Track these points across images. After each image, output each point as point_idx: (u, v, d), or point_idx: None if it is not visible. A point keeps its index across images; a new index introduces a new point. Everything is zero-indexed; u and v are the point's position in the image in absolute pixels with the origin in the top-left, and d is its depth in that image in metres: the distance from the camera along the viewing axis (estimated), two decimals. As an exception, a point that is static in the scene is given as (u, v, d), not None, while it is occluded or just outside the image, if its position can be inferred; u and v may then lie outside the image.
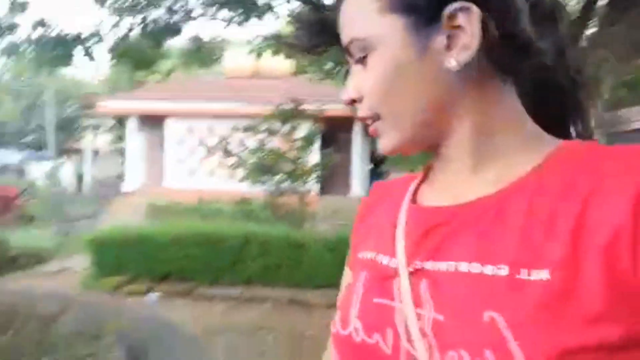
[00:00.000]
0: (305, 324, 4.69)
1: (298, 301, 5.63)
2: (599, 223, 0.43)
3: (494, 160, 0.51)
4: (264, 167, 7.20)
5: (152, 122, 15.62)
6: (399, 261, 0.51)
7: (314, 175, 7.47)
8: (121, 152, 20.55)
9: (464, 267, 0.47)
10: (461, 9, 0.47)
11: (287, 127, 7.45)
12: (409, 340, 0.47)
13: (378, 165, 14.39)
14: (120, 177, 18.11)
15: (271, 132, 7.43)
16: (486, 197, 0.50)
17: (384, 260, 0.54)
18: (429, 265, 0.49)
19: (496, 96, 0.51)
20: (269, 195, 7.56)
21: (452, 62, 0.49)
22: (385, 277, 0.53)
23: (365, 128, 0.56)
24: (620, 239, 0.41)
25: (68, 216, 9.32)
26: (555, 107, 0.55)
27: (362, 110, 0.54)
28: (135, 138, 16.09)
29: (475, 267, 0.46)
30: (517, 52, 0.49)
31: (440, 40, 0.49)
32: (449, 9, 0.48)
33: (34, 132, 21.41)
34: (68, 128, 20.94)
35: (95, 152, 20.83)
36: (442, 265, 0.48)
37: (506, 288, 0.44)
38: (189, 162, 15.53)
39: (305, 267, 5.95)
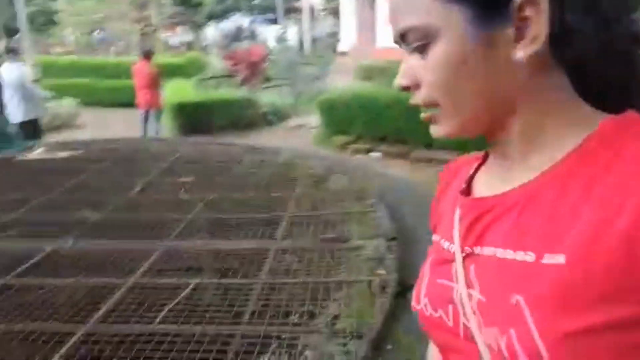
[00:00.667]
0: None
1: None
2: (617, 208, 0.43)
3: (541, 150, 0.52)
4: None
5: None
6: (455, 247, 0.56)
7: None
8: (334, 12, 20.96)
9: (500, 253, 0.50)
10: (529, 1, 0.47)
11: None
12: (465, 315, 0.52)
13: None
14: (334, 37, 18.74)
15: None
16: (524, 185, 0.51)
17: (445, 244, 0.59)
18: (477, 250, 0.53)
19: (551, 85, 0.51)
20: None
21: (520, 54, 0.48)
22: (446, 260, 0.58)
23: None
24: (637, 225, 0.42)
25: (299, 77, 10.19)
26: (618, 80, 0.52)
27: (419, 98, 0.54)
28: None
29: (509, 254, 0.49)
30: (579, 43, 0.49)
31: (507, 32, 0.48)
32: (517, 0, 0.47)
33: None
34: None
35: (311, 12, 21.59)
36: (486, 250, 0.52)
37: (531, 272, 0.46)
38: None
39: None
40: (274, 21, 20.85)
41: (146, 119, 8.04)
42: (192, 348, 1.66)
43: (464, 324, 0.52)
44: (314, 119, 8.21)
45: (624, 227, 0.42)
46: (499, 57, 0.49)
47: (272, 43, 14.64)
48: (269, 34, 17.25)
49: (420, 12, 0.50)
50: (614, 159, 0.46)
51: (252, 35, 17.18)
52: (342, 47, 15.81)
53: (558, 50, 0.49)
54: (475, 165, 0.62)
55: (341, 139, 6.92)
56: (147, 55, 8.17)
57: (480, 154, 0.63)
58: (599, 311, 0.42)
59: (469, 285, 0.52)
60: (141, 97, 7.99)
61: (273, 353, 1.64)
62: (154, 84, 8.03)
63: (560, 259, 0.44)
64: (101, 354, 1.69)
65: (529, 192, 0.50)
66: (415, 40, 0.51)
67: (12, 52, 6.26)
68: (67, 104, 10.28)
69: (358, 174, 3.67)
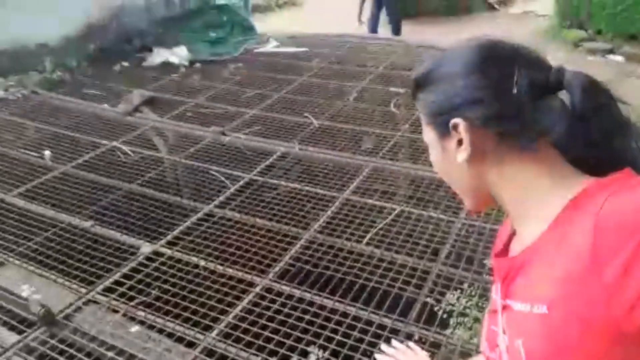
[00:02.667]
0: None
1: None
2: (577, 265, 0.56)
3: (529, 218, 0.67)
4: None
5: None
6: (498, 300, 0.70)
7: None
8: None
9: (515, 305, 0.64)
10: (454, 124, 0.70)
11: None
12: (501, 357, 0.67)
13: None
14: None
15: None
16: (525, 249, 0.66)
17: (494, 297, 0.73)
18: (508, 302, 0.67)
19: (516, 167, 0.69)
20: None
21: (458, 158, 0.71)
22: (495, 310, 0.71)
23: None
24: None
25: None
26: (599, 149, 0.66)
27: None
28: None
29: (518, 306, 0.63)
30: (525, 132, 0.66)
31: (451, 144, 0.72)
32: (451, 123, 0.70)
33: None
34: None
35: None
36: (511, 303, 0.66)
37: (527, 320, 0.60)
38: None
39: None
40: None
41: (363, 1, 8.02)
42: (393, 276, 1.91)
43: None
44: (543, 5, 7.16)
45: (579, 286, 0.55)
46: (454, 159, 0.72)
47: None
48: None
49: (425, 129, 0.78)
50: (576, 221, 0.59)
51: None
52: None
53: (514, 143, 0.67)
54: (510, 230, 0.78)
55: (576, 33, 5.98)
56: None
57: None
58: (580, 353, 0.54)
59: (504, 331, 0.67)
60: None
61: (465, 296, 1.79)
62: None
63: (543, 308, 0.58)
64: (319, 261, 2.07)
65: (530, 253, 0.65)
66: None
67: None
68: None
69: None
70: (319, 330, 1.68)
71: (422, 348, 1.27)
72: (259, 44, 4.78)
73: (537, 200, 0.65)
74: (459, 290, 1.83)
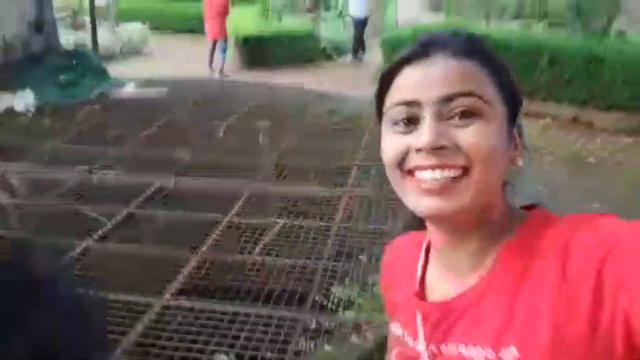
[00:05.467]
0: (585, 149, 4.52)
1: (582, 122, 5.33)
2: (545, 294, 0.50)
3: (486, 249, 0.58)
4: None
5: None
6: (421, 347, 0.61)
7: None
8: None
9: (463, 350, 0.56)
10: (518, 125, 0.60)
11: None
12: None
13: None
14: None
15: None
16: (471, 287, 0.57)
17: (410, 341, 0.63)
18: (442, 347, 0.59)
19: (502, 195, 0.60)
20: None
21: (520, 161, 0.58)
22: (413, 356, 0.62)
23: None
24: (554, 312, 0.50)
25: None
26: None
27: (452, 159, 0.54)
28: None
29: (471, 350, 0.55)
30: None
31: (514, 139, 0.58)
32: (518, 119, 0.59)
33: None
34: None
35: None
36: (450, 348, 0.58)
37: None
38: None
39: (600, 84, 5.41)
40: None
41: (213, 50, 8.34)
42: (286, 277, 2.09)
43: None
44: (373, 55, 8.22)
45: (546, 320, 0.50)
46: (508, 156, 0.57)
47: None
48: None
49: (483, 87, 0.54)
50: (532, 255, 0.53)
51: None
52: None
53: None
54: (421, 255, 0.66)
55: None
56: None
57: (417, 238, 0.68)
58: None
59: None
60: (210, 27, 8.24)
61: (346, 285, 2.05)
62: (224, 12, 8.21)
63: (513, 350, 0.51)
64: (216, 276, 2.16)
65: (478, 293, 0.56)
66: (467, 106, 0.54)
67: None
68: (136, 29, 10.66)
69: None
70: (224, 334, 1.77)
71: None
72: (115, 87, 4.71)
73: (500, 230, 0.58)
74: (344, 281, 2.09)
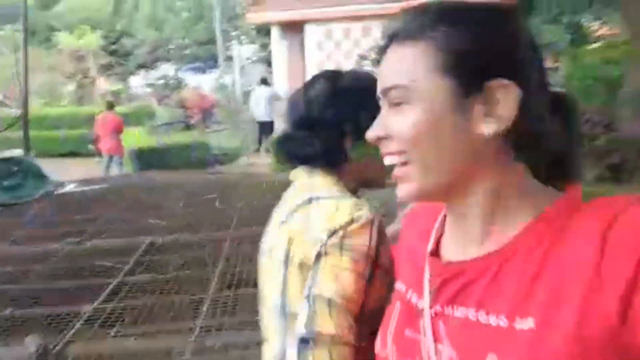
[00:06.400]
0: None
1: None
2: (574, 278, 0.50)
3: (501, 221, 0.57)
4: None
5: (293, 29, 16.92)
6: (425, 304, 0.60)
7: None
8: (263, 60, 22.45)
9: (472, 314, 0.55)
10: (502, 85, 0.53)
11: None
12: None
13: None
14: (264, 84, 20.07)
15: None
16: (491, 253, 0.57)
17: (414, 298, 0.64)
18: (448, 310, 0.58)
19: (510, 163, 0.57)
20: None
21: (485, 129, 0.54)
22: (414, 313, 0.62)
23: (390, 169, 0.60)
24: (593, 294, 0.48)
25: (243, 121, 11.34)
26: (558, 163, 0.59)
27: (389, 148, 0.59)
28: (278, 46, 17.63)
29: (482, 316, 0.55)
30: (536, 135, 0.56)
31: (478, 108, 0.55)
32: (492, 82, 0.53)
33: (192, 46, 24.02)
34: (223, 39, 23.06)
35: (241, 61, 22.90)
36: (457, 312, 0.57)
37: (505, 335, 0.52)
38: (327, 66, 16.75)
39: None
40: (202, 70, 21.82)
41: (109, 163, 8.92)
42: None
43: None
44: (264, 159, 9.33)
45: (579, 297, 0.49)
46: (467, 129, 0.55)
47: (207, 90, 15.65)
48: (201, 82, 18.23)
49: (408, 75, 0.56)
50: (568, 234, 0.52)
51: (180, 84, 17.91)
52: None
53: (518, 139, 0.56)
54: (438, 220, 0.66)
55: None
56: (111, 106, 9.14)
57: (439, 206, 0.66)
58: None
59: (437, 340, 0.58)
60: (104, 144, 8.89)
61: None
62: (119, 131, 8.96)
63: (530, 322, 0.50)
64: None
65: (497, 260, 0.56)
66: (397, 97, 0.57)
67: None
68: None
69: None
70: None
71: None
72: (56, 187, 5.04)
73: (514, 202, 0.57)
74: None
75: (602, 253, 0.49)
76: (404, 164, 0.59)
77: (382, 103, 0.61)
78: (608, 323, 0.47)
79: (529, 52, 0.57)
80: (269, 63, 22.74)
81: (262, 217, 1.09)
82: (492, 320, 0.54)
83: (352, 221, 0.81)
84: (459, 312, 0.58)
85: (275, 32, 17.14)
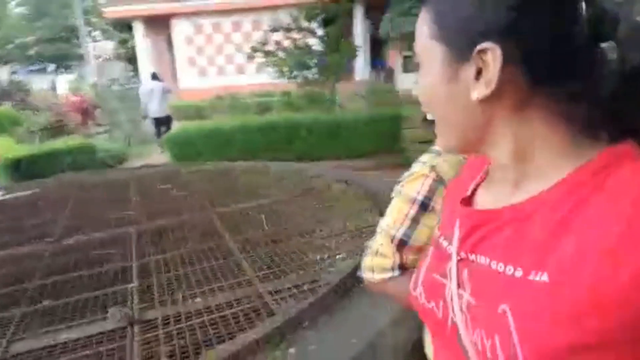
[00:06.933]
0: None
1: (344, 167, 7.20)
2: (596, 241, 0.47)
3: (533, 176, 0.56)
4: (301, 63, 8.47)
5: (158, 24, 16.17)
6: (453, 249, 0.62)
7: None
8: (123, 58, 21.09)
9: (493, 264, 0.55)
10: (488, 48, 0.52)
11: (314, 24, 8.56)
12: (453, 312, 0.58)
13: (378, 48, 15.41)
14: (129, 82, 18.98)
15: (300, 29, 8.56)
16: (518, 205, 0.56)
17: (444, 243, 0.65)
18: (472, 257, 0.59)
19: (535, 118, 0.54)
20: (301, 85, 8.92)
21: (475, 94, 0.54)
22: (443, 258, 0.64)
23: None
24: (611, 256, 0.45)
25: (123, 121, 10.67)
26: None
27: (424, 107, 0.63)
28: (142, 42, 16.73)
29: (501, 266, 0.54)
30: (562, 87, 0.52)
31: (468, 73, 0.54)
32: (479, 46, 0.52)
33: (40, 44, 21.55)
34: (73, 37, 21.11)
35: (97, 59, 21.28)
36: (480, 259, 0.58)
37: (519, 286, 0.51)
38: (199, 60, 16.35)
39: (344, 142, 7.46)
40: (43, 70, 19.88)
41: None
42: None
43: (452, 319, 0.59)
44: (157, 158, 8.97)
45: (597, 255, 0.46)
46: (462, 93, 0.55)
47: (61, 91, 14.38)
48: (55, 82, 16.60)
49: (419, 42, 0.60)
50: (596, 190, 0.49)
51: (19, 87, 16.26)
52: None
53: (546, 87, 0.52)
54: (480, 174, 0.67)
55: (194, 166, 7.93)
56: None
57: (484, 159, 0.65)
58: (577, 330, 0.46)
59: (460, 285, 0.58)
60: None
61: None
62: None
63: (544, 277, 0.49)
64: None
65: (522, 212, 0.55)
66: (417, 60, 0.61)
67: None
68: None
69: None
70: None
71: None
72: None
73: (545, 159, 0.55)
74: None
75: (630, 223, 0.46)
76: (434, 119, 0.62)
77: None
78: (622, 294, 0.45)
79: (530, 7, 0.52)
80: (129, 60, 21.49)
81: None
82: (509, 270, 0.53)
83: (411, 174, 0.98)
84: (482, 259, 0.58)
85: (138, 27, 16.32)
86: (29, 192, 5.04)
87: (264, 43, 8.90)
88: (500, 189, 0.61)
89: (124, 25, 19.85)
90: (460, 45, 0.55)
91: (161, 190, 4.66)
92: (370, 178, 4.66)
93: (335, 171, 4.99)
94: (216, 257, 2.79)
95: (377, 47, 14.87)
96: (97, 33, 20.41)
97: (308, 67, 8.57)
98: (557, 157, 0.55)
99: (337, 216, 3.25)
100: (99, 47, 21.51)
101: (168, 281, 2.55)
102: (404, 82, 14.90)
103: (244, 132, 7.64)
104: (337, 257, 2.57)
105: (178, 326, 2.04)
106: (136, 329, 2.07)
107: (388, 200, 1.00)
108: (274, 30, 8.91)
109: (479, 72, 0.54)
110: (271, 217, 3.40)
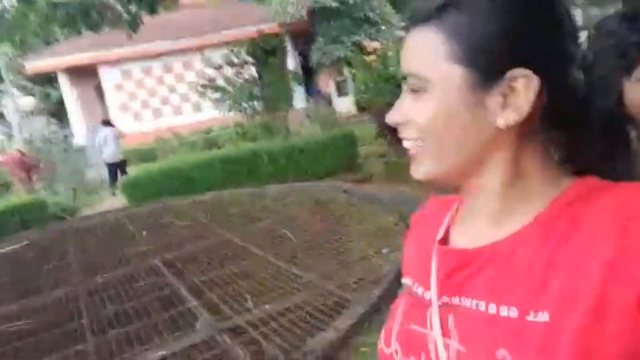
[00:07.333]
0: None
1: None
2: (588, 273, 0.45)
3: (514, 208, 0.54)
4: (251, 95, 8.72)
5: (85, 73, 15.78)
6: (432, 295, 0.57)
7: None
8: (44, 112, 20.21)
9: (482, 306, 0.51)
10: (522, 75, 0.50)
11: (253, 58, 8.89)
12: None
13: (311, 77, 16.00)
14: (54, 135, 18.16)
15: (244, 62, 8.86)
16: (501, 241, 0.53)
17: (420, 290, 0.60)
18: (455, 300, 0.55)
19: (530, 151, 0.54)
20: (250, 116, 9.15)
21: (502, 121, 0.51)
22: (421, 306, 0.58)
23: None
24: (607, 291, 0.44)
25: (66, 172, 10.27)
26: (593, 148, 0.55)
27: (406, 132, 0.57)
28: (69, 93, 16.21)
29: (492, 308, 0.51)
30: (560, 121, 0.52)
31: (495, 99, 0.51)
32: (513, 73, 0.50)
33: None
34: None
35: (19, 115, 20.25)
36: (466, 302, 0.53)
37: (516, 328, 0.48)
38: (132, 105, 16.10)
39: (305, 164, 7.72)
40: None
41: None
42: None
43: None
44: (111, 203, 8.75)
45: (594, 292, 0.44)
46: (483, 120, 0.52)
47: None
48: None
49: (424, 63, 0.53)
50: (575, 225, 0.49)
51: None
52: (78, 141, 15.68)
53: (543, 124, 0.52)
54: (449, 212, 0.64)
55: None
56: None
57: (452, 198, 0.64)
58: None
59: (445, 334, 0.53)
60: None
61: None
62: None
63: (545, 316, 0.46)
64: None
65: (505, 249, 0.52)
66: (414, 84, 0.55)
67: None
68: None
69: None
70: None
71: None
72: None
73: (531, 185, 0.54)
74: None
75: (620, 243, 0.46)
76: (421, 147, 0.56)
77: (403, 86, 0.58)
78: (626, 315, 0.44)
79: (555, 37, 0.52)
80: (52, 114, 20.61)
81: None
82: (503, 311, 0.50)
83: None
84: (467, 302, 0.54)
85: (63, 79, 15.79)
86: (17, 245, 4.82)
87: (213, 79, 9.08)
88: (478, 225, 0.58)
89: (45, 79, 19.14)
90: (488, 70, 0.51)
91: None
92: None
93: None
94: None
95: (307, 76, 15.43)
96: (14, 90, 19.46)
97: (257, 98, 8.83)
98: (541, 185, 0.54)
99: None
100: (19, 103, 20.51)
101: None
102: (340, 105, 15.58)
103: (205, 167, 7.70)
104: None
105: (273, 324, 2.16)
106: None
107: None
108: (220, 67, 9.13)
109: (504, 98, 0.51)
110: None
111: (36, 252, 4.81)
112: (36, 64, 15.48)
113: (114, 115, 15.86)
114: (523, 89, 0.50)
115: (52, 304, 3.31)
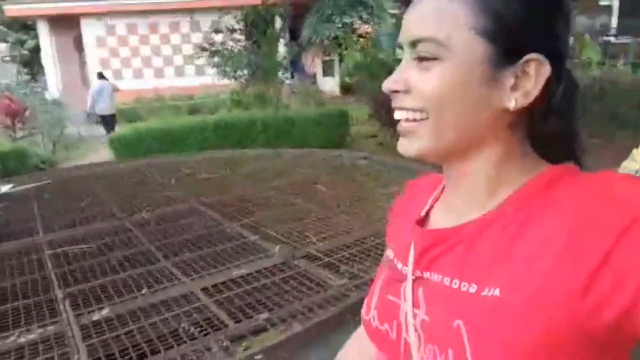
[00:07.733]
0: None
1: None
2: (546, 249, 0.48)
3: (492, 191, 0.57)
4: (246, 63, 8.72)
5: (66, 24, 15.20)
6: (408, 270, 0.61)
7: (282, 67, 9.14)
8: (16, 60, 19.35)
9: (447, 281, 0.55)
10: (537, 60, 0.51)
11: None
12: (407, 332, 0.58)
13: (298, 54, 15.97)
14: (27, 85, 17.48)
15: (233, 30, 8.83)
16: (472, 221, 0.56)
17: (399, 265, 0.64)
18: (427, 275, 0.59)
19: (519, 135, 0.56)
20: (243, 85, 9.17)
21: (512, 102, 0.52)
22: (398, 280, 0.62)
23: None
24: (561, 269, 0.47)
25: (49, 124, 10.01)
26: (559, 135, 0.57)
27: (403, 103, 0.56)
28: (47, 43, 15.60)
29: (455, 283, 0.54)
30: (550, 111, 0.54)
31: (509, 80, 0.52)
32: (529, 56, 0.51)
33: None
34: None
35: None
36: (434, 277, 0.57)
37: (472, 302, 0.52)
38: (112, 63, 15.65)
39: (296, 137, 7.82)
40: None
41: None
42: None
43: (405, 339, 0.58)
44: (95, 158, 8.65)
45: (545, 270, 0.48)
46: (493, 99, 0.52)
47: None
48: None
49: (444, 29, 0.52)
50: (544, 205, 0.51)
51: None
52: (50, 94, 15.12)
53: (536, 111, 0.53)
54: (435, 192, 0.67)
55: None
56: None
57: (440, 178, 0.66)
58: (528, 343, 0.47)
59: (415, 305, 0.58)
60: None
61: None
62: None
63: (496, 292, 0.50)
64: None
65: (476, 228, 0.55)
66: (426, 51, 0.53)
67: None
68: None
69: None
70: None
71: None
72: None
73: (507, 177, 0.56)
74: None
75: (576, 226, 0.48)
76: (420, 120, 0.55)
77: (404, 54, 0.57)
78: (570, 297, 0.46)
79: (566, 28, 0.54)
80: (24, 63, 19.76)
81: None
82: (464, 287, 0.54)
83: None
84: (435, 277, 0.58)
85: (43, 27, 15.12)
86: (40, 183, 4.83)
87: (211, 43, 9.01)
88: (461, 206, 0.59)
89: (22, 25, 18.31)
90: (510, 50, 0.52)
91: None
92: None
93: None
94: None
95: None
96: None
97: (253, 67, 8.85)
98: (521, 170, 0.56)
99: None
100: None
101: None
102: (324, 85, 15.64)
103: (197, 130, 7.71)
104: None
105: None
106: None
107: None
108: (217, 31, 9.07)
109: (517, 80, 0.52)
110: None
111: (63, 190, 4.77)
112: (16, 8, 14.75)
113: (91, 70, 15.39)
114: (535, 74, 0.52)
115: (108, 232, 3.34)
